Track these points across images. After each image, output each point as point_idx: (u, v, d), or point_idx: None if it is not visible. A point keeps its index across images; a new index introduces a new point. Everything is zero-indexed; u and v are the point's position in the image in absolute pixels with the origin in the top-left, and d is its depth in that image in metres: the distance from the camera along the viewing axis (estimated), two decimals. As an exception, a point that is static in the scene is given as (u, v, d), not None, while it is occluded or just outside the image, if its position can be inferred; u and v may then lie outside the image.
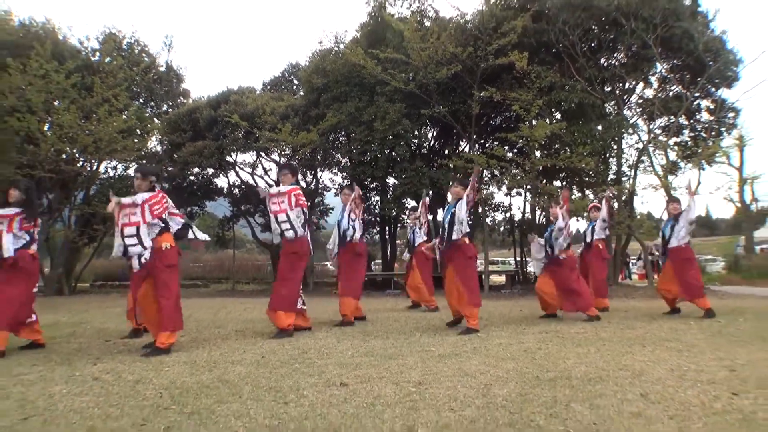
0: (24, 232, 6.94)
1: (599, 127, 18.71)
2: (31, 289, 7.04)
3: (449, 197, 8.63)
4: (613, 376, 4.79)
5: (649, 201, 64.03)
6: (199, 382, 4.79)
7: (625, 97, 20.08)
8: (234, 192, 25.28)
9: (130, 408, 4.01)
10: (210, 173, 24.32)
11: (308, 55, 24.10)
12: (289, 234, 7.92)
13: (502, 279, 23.24)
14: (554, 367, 5.23)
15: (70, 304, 14.90)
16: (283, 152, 22.46)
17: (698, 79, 18.10)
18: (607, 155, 19.52)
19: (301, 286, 8.39)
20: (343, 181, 23.19)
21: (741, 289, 17.98)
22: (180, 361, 5.87)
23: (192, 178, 23.68)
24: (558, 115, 19.27)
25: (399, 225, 23.97)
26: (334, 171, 23.64)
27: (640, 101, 20.64)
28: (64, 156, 19.65)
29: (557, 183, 19.93)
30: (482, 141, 21.41)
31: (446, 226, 8.18)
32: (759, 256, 29.47)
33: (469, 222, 8.51)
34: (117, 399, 4.26)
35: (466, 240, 8.19)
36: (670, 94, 19.54)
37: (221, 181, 25.35)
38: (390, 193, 21.14)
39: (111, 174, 24.26)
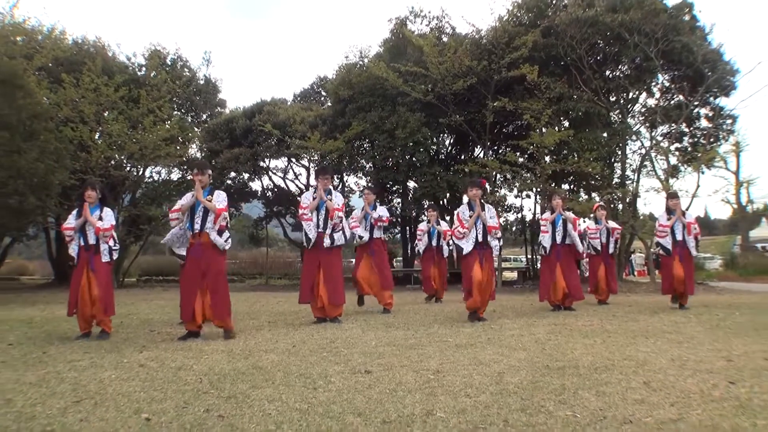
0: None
1: (605, 134, 18.61)
2: None
3: (465, 198, 8.74)
4: (618, 365, 4.75)
5: (652, 203, 63.10)
6: (236, 369, 4.81)
7: (628, 107, 19.91)
8: (267, 194, 25.41)
9: (173, 392, 4.04)
10: (245, 177, 24.47)
11: (335, 69, 24.14)
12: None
13: (514, 275, 23.13)
14: (563, 356, 5.19)
15: (118, 297, 14.97)
16: (312, 158, 22.57)
17: (697, 88, 17.91)
18: (612, 160, 19.40)
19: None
20: (367, 185, 23.19)
21: (737, 285, 17.75)
22: (218, 349, 5.91)
23: (229, 182, 23.80)
24: (566, 123, 19.15)
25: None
26: (359, 175, 23.67)
27: (642, 110, 20.44)
28: (112, 162, 19.90)
29: (565, 186, 19.80)
30: (496, 147, 21.30)
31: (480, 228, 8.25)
32: (755, 253, 29.06)
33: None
34: (161, 384, 4.30)
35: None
36: (671, 103, 19.33)
37: (255, 185, 25.53)
38: (410, 195, 21.15)
39: (155, 178, 24.49)
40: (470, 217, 8.21)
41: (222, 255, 6.99)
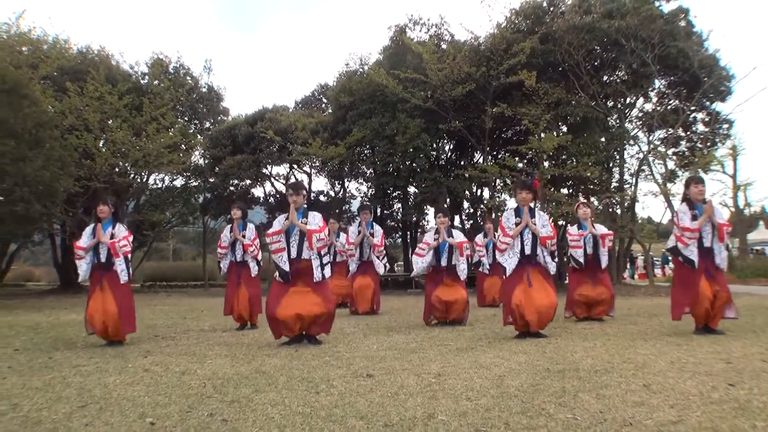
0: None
1: (603, 139, 18.61)
2: None
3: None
4: (618, 368, 4.74)
5: (650, 206, 63.06)
6: (239, 373, 4.81)
7: (626, 111, 19.93)
8: (270, 201, 25.42)
9: (177, 396, 4.03)
10: (248, 184, 24.46)
11: (336, 76, 24.19)
12: None
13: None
14: (563, 359, 5.18)
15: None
16: (313, 165, 22.59)
17: (694, 93, 17.95)
18: (610, 165, 19.40)
19: None
20: (368, 190, 23.18)
21: (736, 288, 17.54)
22: (221, 354, 5.91)
23: (231, 188, 23.81)
24: (564, 128, 19.18)
25: (419, 230, 23.89)
26: (360, 181, 23.69)
27: (640, 115, 20.50)
28: (117, 169, 19.91)
29: (564, 190, 19.80)
30: (495, 153, 21.33)
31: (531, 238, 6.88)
32: (753, 258, 29.02)
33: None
34: (165, 388, 4.29)
35: None
36: (668, 107, 19.37)
37: (258, 191, 25.53)
38: (411, 200, 21.17)
39: (159, 185, 24.51)
40: (516, 225, 6.90)
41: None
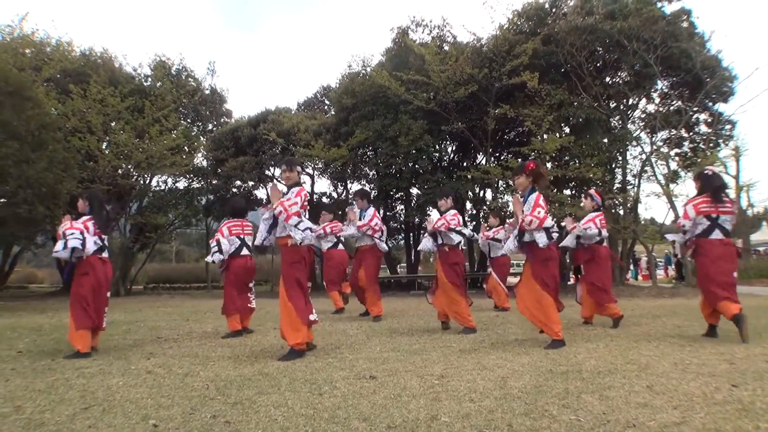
0: (96, 237, 6.50)
1: (605, 140, 18.58)
2: (104, 293, 6.61)
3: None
4: (621, 369, 4.73)
5: (653, 207, 62.99)
6: (242, 375, 4.81)
7: (628, 112, 19.90)
8: (272, 202, 25.38)
9: (180, 398, 4.04)
10: (250, 186, 24.47)
11: (338, 78, 24.23)
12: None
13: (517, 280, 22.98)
14: (566, 361, 5.18)
15: (125, 304, 15.08)
16: (316, 166, 22.60)
17: (696, 94, 17.94)
18: (613, 166, 19.36)
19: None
20: (371, 192, 23.19)
21: (739, 289, 17.61)
22: (224, 356, 5.91)
23: (234, 190, 23.82)
24: (567, 130, 19.15)
25: (422, 231, 23.84)
26: (362, 183, 23.67)
27: (642, 116, 20.44)
28: (119, 171, 19.96)
29: (567, 192, 19.78)
30: (497, 154, 21.33)
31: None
32: (756, 258, 28.97)
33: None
34: (168, 390, 4.30)
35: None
36: (671, 108, 19.34)
37: (260, 193, 25.52)
38: (413, 202, 21.17)
39: (162, 187, 24.53)
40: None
41: (287, 258, 5.96)
